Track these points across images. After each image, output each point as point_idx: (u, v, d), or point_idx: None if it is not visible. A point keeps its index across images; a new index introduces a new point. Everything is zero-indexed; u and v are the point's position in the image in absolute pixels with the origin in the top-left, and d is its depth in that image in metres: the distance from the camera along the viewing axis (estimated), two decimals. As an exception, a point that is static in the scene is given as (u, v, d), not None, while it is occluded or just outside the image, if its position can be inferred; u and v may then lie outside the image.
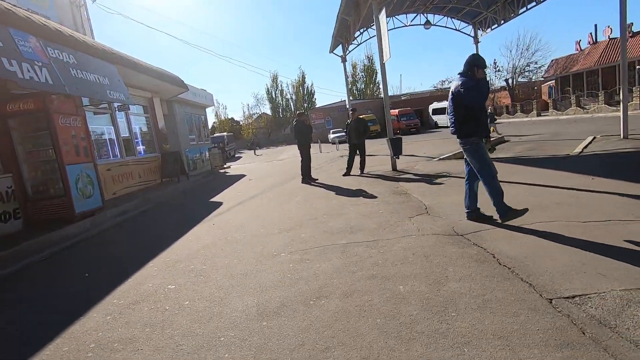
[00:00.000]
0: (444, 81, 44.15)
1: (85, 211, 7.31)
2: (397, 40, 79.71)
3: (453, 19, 16.62)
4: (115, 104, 10.84)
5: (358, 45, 16.15)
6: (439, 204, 5.71)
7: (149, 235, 6.35)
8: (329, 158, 17.20)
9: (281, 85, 51.73)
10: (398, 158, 9.65)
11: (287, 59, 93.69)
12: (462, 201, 4.75)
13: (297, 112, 10.14)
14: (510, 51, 43.50)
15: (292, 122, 8.87)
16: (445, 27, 16.78)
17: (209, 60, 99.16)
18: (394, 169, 9.90)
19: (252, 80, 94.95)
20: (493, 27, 15.63)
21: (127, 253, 5.43)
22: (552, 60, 31.82)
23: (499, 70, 36.26)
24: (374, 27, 16.15)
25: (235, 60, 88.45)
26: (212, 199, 9.37)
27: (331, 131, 35.22)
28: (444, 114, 32.83)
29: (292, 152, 28.48)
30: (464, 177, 4.75)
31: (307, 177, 9.95)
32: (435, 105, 34.98)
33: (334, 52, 16.83)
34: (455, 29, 16.84)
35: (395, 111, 34.47)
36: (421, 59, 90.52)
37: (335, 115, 40.63)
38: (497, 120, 30.36)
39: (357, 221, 5.28)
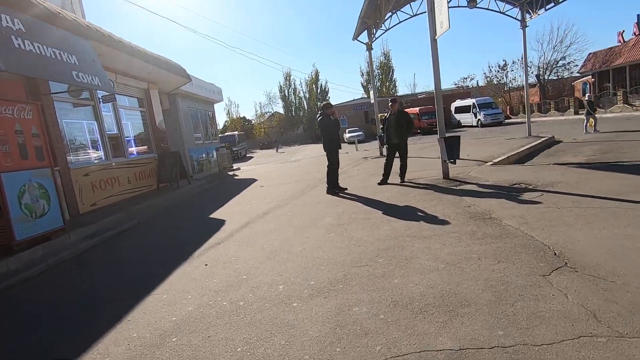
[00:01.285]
0: (466, 78, 41.39)
1: (36, 236, 5.21)
2: (410, 37, 76.88)
3: (497, 1, 14.19)
4: (99, 94, 8.79)
5: (386, 30, 13.87)
6: (572, 243, 3.40)
7: (106, 283, 4.20)
8: (351, 160, 14.93)
9: (294, 83, 49.62)
10: (454, 163, 7.34)
11: (300, 56, 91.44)
12: (610, 237, 2.48)
13: (323, 102, 7.90)
14: (542, 44, 40.21)
15: (316, 116, 8.65)
16: (488, 9, 14.34)
17: (219, 54, 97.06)
18: (446, 177, 7.59)
19: (265, 78, 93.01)
20: (548, 7, 13.14)
21: (53, 322, 3.28)
22: (589, 54, 28.87)
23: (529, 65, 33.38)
24: (405, 9, 13.95)
25: (247, 52, 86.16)
26: (213, 214, 7.22)
27: (347, 130, 32.96)
28: (469, 112, 30.28)
29: (306, 152, 26.28)
30: (566, 192, 2.53)
31: (334, 187, 7.73)
32: (459, 103, 32.33)
33: (357, 39, 14.58)
34: (500, 12, 14.38)
35: (416, 109, 31.99)
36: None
37: (350, 113, 38.34)
38: (512, 120, 27.59)
39: (444, 277, 3.02)
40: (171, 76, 11.42)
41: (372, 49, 14.59)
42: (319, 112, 7.89)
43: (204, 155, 15.98)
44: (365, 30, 14.36)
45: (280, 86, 49.20)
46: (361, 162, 13.35)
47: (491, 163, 9.32)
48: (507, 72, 34.98)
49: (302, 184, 9.60)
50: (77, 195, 7.42)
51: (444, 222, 4.62)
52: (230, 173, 16.37)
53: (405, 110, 8.05)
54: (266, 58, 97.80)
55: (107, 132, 9.06)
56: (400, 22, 13.87)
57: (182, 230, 6.32)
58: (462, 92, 37.42)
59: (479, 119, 29.04)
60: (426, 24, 7.55)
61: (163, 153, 11.09)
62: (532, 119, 29.87)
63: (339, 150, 7.84)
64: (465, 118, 30.91)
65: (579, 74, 31.36)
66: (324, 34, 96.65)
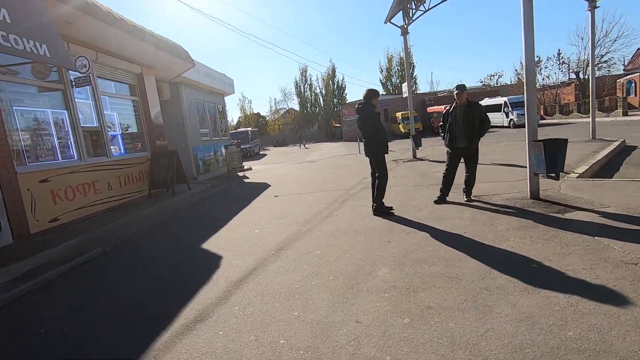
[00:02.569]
0: (493, 75, 38.46)
1: None
2: (427, 33, 73.48)
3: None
4: (71, 75, 6.77)
5: (426, 11, 11.52)
6: None
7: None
8: (378, 163, 12.68)
9: (310, 79, 47.33)
10: (556, 178, 4.99)
11: (317, 45, 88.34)
12: None
13: (367, 89, 5.65)
14: (582, 39, 36.81)
15: (356, 107, 5.44)
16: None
17: (232, 46, 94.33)
18: (535, 196, 5.28)
19: (280, 73, 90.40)
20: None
21: None
22: (638, 49, 25.80)
23: (563, 62, 30.40)
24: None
25: (261, 40, 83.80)
26: (207, 244, 5.07)
27: (366, 128, 30.55)
28: (499, 111, 27.56)
29: (323, 151, 24.04)
30: None
31: (381, 208, 5.49)
32: (487, 101, 29.58)
33: (391, 21, 12.26)
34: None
35: (440, 107, 29.36)
36: (456, 53, 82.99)
37: (369, 111, 35.86)
38: (547, 120, 25.00)
39: None
40: (171, 60, 9.35)
41: (408, 33, 12.25)
42: (359, 103, 5.66)
43: (211, 153, 13.94)
44: (401, 11, 12.03)
45: (296, 82, 47.02)
46: (393, 167, 11.07)
47: (577, 175, 6.96)
48: (541, 68, 31.96)
49: (327, 196, 7.41)
50: (27, 208, 5.40)
51: (622, 303, 2.37)
52: (241, 174, 14.30)
53: (476, 102, 5.76)
54: (282, 47, 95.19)
55: (83, 125, 7.04)
56: (442, 1, 11.49)
57: (158, 272, 4.19)
58: (490, 90, 34.55)
59: (511, 119, 26.38)
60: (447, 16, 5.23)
61: (157, 152, 9.04)
62: (570, 120, 26.95)
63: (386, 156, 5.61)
64: (495, 118, 28.11)
65: (623, 72, 28.22)
66: (342, 28, 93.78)
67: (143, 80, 9.04)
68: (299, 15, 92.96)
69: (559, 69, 30.48)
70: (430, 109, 31.52)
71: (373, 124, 5.39)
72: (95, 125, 7.45)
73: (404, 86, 13.23)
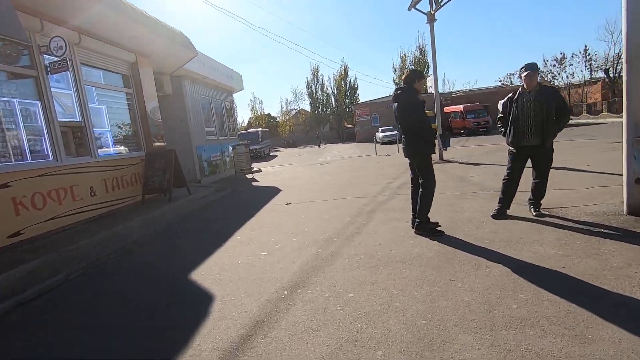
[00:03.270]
0: (512, 74, 36.58)
1: None
2: (441, 34, 71.19)
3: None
4: (46, 60, 5.64)
5: (456, -5, 10.19)
6: None
7: None
8: (401, 165, 11.31)
9: (322, 79, 46.18)
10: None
11: (329, 42, 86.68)
12: None
13: (409, 69, 4.32)
14: (612, 34, 34.44)
15: (394, 93, 3.91)
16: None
17: (242, 43, 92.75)
18: (636, 212, 3.89)
19: (291, 73, 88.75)
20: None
21: None
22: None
23: (590, 59, 28.46)
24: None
25: (272, 34, 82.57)
26: (197, 272, 3.80)
27: (380, 129, 29.18)
28: (521, 111, 25.84)
29: (334, 152, 22.69)
30: None
31: (425, 224, 4.14)
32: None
33: (416, 7, 10.92)
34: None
35: (459, 107, 27.89)
36: (470, 52, 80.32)
37: (382, 111, 34.50)
38: (574, 120, 23.13)
39: None
40: (170, 47, 8.19)
41: (435, 20, 10.88)
42: (399, 86, 4.32)
43: (217, 154, 12.77)
44: (427, -4, 10.68)
45: (308, 82, 45.85)
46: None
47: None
48: (565, 66, 30.08)
49: (349, 205, 6.10)
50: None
51: None
52: (249, 176, 13.10)
53: (552, 86, 4.44)
54: (293, 42, 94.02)
55: (62, 120, 5.89)
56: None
57: (98, 338, 2.95)
58: (510, 89, 32.73)
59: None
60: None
61: (153, 152, 7.86)
62: (600, 120, 24.99)
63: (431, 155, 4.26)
64: (517, 118, 26.46)
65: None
66: (355, 25, 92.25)
67: (138, 71, 7.88)
68: (310, 12, 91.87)
69: (585, 67, 28.58)
70: (447, 109, 29.92)
71: (416, 116, 4.07)
72: (78, 120, 6.30)
73: (430, 80, 11.85)
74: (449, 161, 10.85)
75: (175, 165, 7.61)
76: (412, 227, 4.34)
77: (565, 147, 10.83)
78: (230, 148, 13.51)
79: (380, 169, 10.80)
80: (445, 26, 72.55)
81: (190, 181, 10.68)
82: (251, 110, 49.64)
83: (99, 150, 6.70)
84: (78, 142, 6.37)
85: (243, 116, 59.16)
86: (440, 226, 4.23)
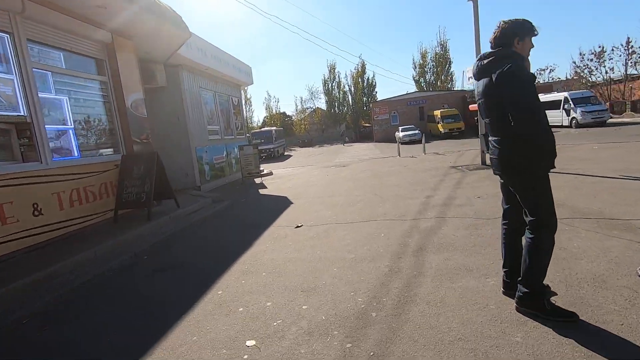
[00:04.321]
0: (543, 70, 33.74)
1: None
2: (462, 30, 67.61)
3: None
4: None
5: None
6: None
7: None
8: (433, 170, 9.36)
9: (339, 76, 44.15)
10: None
11: (346, 35, 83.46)
12: None
13: (506, 21, 2.34)
14: None
15: (476, 66, 1.79)
16: None
17: (257, 40, 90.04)
18: None
19: (306, 71, 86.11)
20: None
21: None
22: None
23: (633, 52, 25.52)
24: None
25: (286, 22, 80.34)
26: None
27: (400, 129, 27.11)
28: (557, 108, 23.28)
29: (351, 153, 20.74)
30: None
31: (538, 297, 2.24)
32: (541, 97, 25.31)
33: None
34: None
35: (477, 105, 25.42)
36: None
37: (402, 109, 32.37)
38: (616, 119, 19.44)
39: None
40: (154, 24, 6.53)
41: (479, -4, 8.89)
42: (485, 53, 2.43)
43: (222, 155, 11.13)
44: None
45: (324, 79, 43.97)
46: (459, 178, 7.72)
47: None
48: (604, 60, 27.13)
49: (383, 233, 4.25)
50: None
51: None
52: (258, 181, 11.42)
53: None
54: (308, 32, 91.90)
55: (-6, 113, 4.29)
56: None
57: None
58: (543, 86, 30.07)
59: (573, 117, 22.11)
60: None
61: (130, 156, 6.22)
62: (646, 119, 22.10)
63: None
64: (551, 116, 23.88)
65: None
66: (372, 20, 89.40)
67: (115, 54, 6.25)
68: (326, 5, 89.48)
69: (628, 60, 25.64)
70: (473, 107, 27.53)
71: (524, 100, 2.17)
72: (22, 113, 4.69)
73: (469, 71, 9.81)
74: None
75: (158, 173, 5.94)
76: (504, 292, 2.51)
77: (623, 150, 8.66)
78: (236, 149, 11.86)
79: (410, 175, 8.89)
80: (466, 21, 69.16)
81: (188, 188, 9.06)
82: (266, 109, 48.14)
83: (54, 154, 5.08)
84: (25, 143, 4.77)
85: (258, 115, 57.62)
86: (555, 294, 2.35)
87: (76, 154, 5.53)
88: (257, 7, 60.22)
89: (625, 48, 25.77)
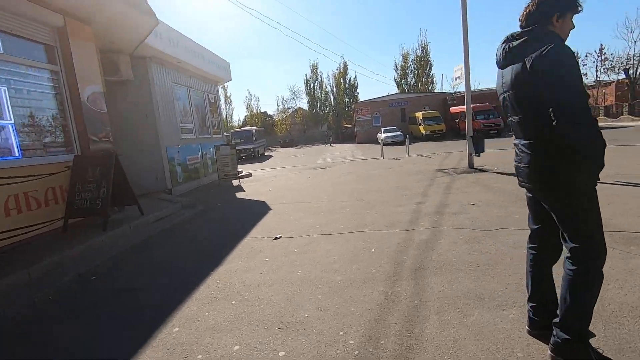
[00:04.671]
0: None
1: None
2: (445, 36, 68.55)
3: None
4: None
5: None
6: None
7: None
8: (419, 173, 8.96)
9: (321, 76, 43.66)
10: None
11: (328, 32, 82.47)
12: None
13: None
14: (632, 31, 31.74)
15: (502, 48, 1.39)
16: None
17: (238, 36, 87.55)
18: None
19: (288, 70, 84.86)
20: None
21: None
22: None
23: (606, 59, 26.30)
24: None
25: (267, 17, 78.56)
26: None
27: (382, 130, 26.86)
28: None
29: (333, 154, 20.24)
30: None
31: (584, 347, 1.70)
32: (519, 101, 25.66)
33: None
34: None
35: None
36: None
37: (384, 110, 32.21)
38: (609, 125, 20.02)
39: None
40: (119, 9, 5.76)
41: (468, -8, 8.54)
42: (519, 32, 1.90)
43: (196, 156, 10.35)
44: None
45: (306, 79, 43.40)
46: (448, 182, 7.31)
47: None
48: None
49: (371, 246, 3.71)
50: None
51: None
52: (236, 183, 10.71)
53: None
54: (290, 29, 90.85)
55: None
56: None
57: None
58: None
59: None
60: None
61: (84, 157, 5.43)
62: (620, 124, 22.73)
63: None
64: (529, 119, 24.27)
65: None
66: (355, 21, 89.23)
67: (68, 40, 5.44)
68: (309, 9, 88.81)
69: (601, 66, 26.41)
70: (454, 109, 27.69)
71: (571, 92, 1.65)
72: (-58, 105, 3.86)
73: (458, 70, 9.45)
74: (482, 170, 8.53)
75: (117, 176, 5.20)
76: (530, 331, 2.02)
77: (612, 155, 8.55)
78: (211, 149, 11.11)
79: (396, 179, 8.44)
80: (445, 25, 70.30)
81: (158, 191, 8.27)
82: (247, 108, 47.05)
83: (-14, 153, 4.27)
84: (-52, 140, 3.95)
85: (239, 114, 56.31)
86: (594, 335, 1.87)
87: (17, 154, 4.71)
88: (236, 0, 58.30)
89: (598, 55, 26.53)
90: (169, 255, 4.30)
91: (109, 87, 7.56)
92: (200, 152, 10.58)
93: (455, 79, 9.62)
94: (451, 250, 3.47)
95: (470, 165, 8.93)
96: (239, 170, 12.66)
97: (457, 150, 14.71)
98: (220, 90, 45.64)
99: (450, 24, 71.69)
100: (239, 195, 8.51)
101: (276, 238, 4.49)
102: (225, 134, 30.79)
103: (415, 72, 40.50)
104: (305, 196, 7.33)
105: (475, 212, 4.79)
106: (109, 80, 7.23)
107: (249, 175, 12.68)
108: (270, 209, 6.34)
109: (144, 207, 5.82)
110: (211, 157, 11.20)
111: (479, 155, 8.69)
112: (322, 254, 3.76)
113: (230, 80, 12.82)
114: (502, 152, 11.79)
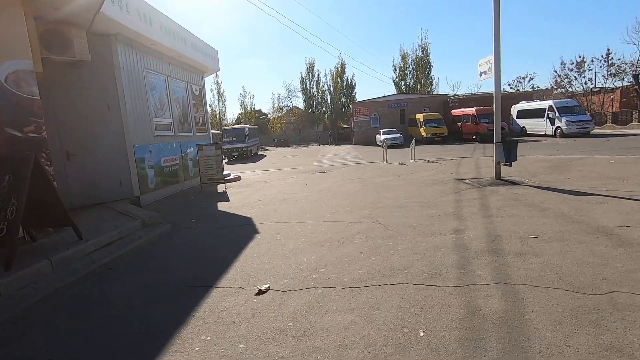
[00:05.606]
0: (523, 78, 33.11)
1: None
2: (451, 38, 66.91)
3: None
4: None
5: None
6: None
7: None
8: (439, 182, 7.46)
9: (318, 75, 41.97)
10: None
11: (328, 29, 79.51)
12: None
13: None
14: None
15: None
16: None
17: (236, 27, 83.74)
18: None
19: (285, 67, 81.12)
20: None
21: None
22: None
23: (612, 64, 25.19)
24: None
25: (261, 3, 73.88)
26: None
27: (381, 131, 25.37)
28: (540, 117, 22.34)
29: (330, 155, 18.63)
30: None
31: None
32: (524, 105, 24.51)
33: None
34: None
35: (472, 110, 24.26)
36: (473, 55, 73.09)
37: (383, 111, 30.74)
38: (598, 130, 18.42)
39: None
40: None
41: (504, -31, 7.05)
42: None
43: (174, 156, 8.71)
44: None
45: (302, 77, 41.64)
46: (475, 197, 5.79)
47: None
48: (584, 70, 26.68)
49: (413, 311, 2.17)
50: None
51: None
52: (221, 188, 9.11)
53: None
54: (287, 17, 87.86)
55: None
56: None
57: None
58: (524, 93, 29.42)
59: (558, 127, 21.17)
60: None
61: (-10, 157, 3.79)
62: (630, 131, 21.53)
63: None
64: (535, 125, 23.04)
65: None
66: (354, 17, 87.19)
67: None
68: (308, 1, 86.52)
69: (607, 72, 25.28)
70: (456, 112, 26.33)
71: None
72: None
73: (484, 63, 7.93)
74: (511, 182, 7.06)
75: (38, 188, 3.58)
76: None
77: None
78: (194, 149, 9.48)
79: (413, 191, 6.92)
80: (447, 28, 69.01)
81: (122, 199, 6.64)
82: (241, 105, 45.17)
83: None
84: None
85: (233, 111, 54.13)
86: None
87: None
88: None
89: (605, 59, 25.38)
90: (90, 320, 2.70)
91: (55, 68, 5.92)
92: (179, 152, 8.94)
93: (480, 74, 8.12)
94: (562, 344, 1.95)
95: (498, 175, 7.45)
96: (227, 173, 11.05)
97: (466, 156, 13.32)
98: (214, 84, 43.60)
99: (448, 27, 70.14)
100: (221, 206, 6.92)
101: (260, 292, 2.93)
102: (213, 131, 29.03)
103: (415, 73, 39.12)
104: (303, 212, 5.77)
105: (550, 253, 3.28)
106: (53, 60, 5.58)
107: (238, 178, 11.08)
108: (257, 233, 4.76)
109: (87, 226, 4.21)
110: (194, 157, 9.57)
111: (510, 165, 7.20)
112: (336, 336, 2.21)
113: (219, 70, 11.17)
114: (519, 160, 10.37)
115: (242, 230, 4.97)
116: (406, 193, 6.74)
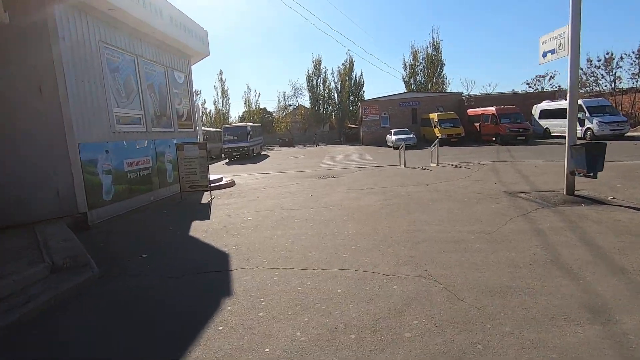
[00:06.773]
0: (542, 77, 30.73)
1: None
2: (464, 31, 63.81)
3: None
4: None
5: None
6: None
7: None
8: (490, 197, 5.48)
9: (325, 72, 39.91)
10: None
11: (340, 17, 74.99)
12: None
13: None
14: None
15: None
16: None
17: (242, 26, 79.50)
18: None
19: (291, 63, 77.63)
20: None
21: None
22: None
23: (645, 60, 22.85)
24: None
25: None
26: None
27: (392, 132, 23.32)
28: (564, 117, 20.20)
29: (339, 158, 16.53)
30: None
31: None
32: (547, 105, 22.36)
33: None
34: None
35: (492, 109, 22.10)
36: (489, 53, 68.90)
37: (394, 110, 28.64)
38: (634, 133, 15.96)
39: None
40: None
41: None
42: None
43: (144, 158, 6.81)
44: None
45: (308, 75, 39.66)
46: (585, 236, 3.80)
47: None
48: (612, 68, 24.34)
49: None
50: None
51: None
52: (205, 199, 7.19)
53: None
54: (290, 6, 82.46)
55: None
56: None
57: None
58: (547, 93, 27.17)
59: (588, 128, 19.00)
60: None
61: None
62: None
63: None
64: (560, 126, 20.70)
65: None
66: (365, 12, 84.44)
67: None
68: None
69: (639, 71, 22.93)
70: (472, 111, 24.21)
71: None
72: None
73: (551, 39, 5.89)
74: (591, 199, 5.04)
75: None
76: None
77: None
78: (171, 149, 7.58)
79: (458, 211, 4.93)
80: (464, 24, 65.76)
81: (61, 216, 4.75)
82: (245, 103, 43.29)
83: None
84: None
85: (238, 110, 52.12)
86: None
87: None
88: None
89: (637, 56, 23.08)
90: None
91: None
92: (153, 153, 7.04)
93: (544, 55, 6.10)
94: None
95: (570, 190, 5.44)
96: (217, 177, 9.14)
97: (495, 160, 11.32)
98: (217, 81, 41.54)
99: (463, 22, 66.93)
100: (195, 228, 4.99)
101: None
102: (213, 129, 27.03)
103: (426, 71, 36.97)
104: (307, 246, 3.82)
105: None
106: None
107: (231, 184, 9.15)
108: (230, 296, 2.80)
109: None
110: (173, 159, 7.67)
111: (595, 177, 5.15)
112: None
113: (208, 54, 9.21)
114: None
115: (209, 284, 3.04)
116: (450, 214, 4.77)
